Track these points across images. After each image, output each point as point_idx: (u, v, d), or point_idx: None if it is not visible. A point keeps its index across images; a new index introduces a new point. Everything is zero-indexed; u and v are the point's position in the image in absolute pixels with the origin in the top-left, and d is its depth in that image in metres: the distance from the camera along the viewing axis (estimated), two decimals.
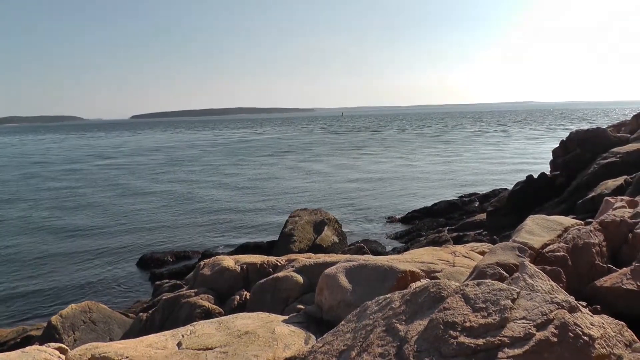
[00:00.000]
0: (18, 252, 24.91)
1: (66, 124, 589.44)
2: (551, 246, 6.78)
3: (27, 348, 5.78)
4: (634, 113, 30.55)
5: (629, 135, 25.06)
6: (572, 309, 3.83)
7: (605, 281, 5.78)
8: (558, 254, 6.49)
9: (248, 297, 10.10)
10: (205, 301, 10.31)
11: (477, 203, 30.22)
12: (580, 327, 3.67)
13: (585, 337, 3.61)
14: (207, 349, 5.66)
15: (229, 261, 11.51)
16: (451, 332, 3.86)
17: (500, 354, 3.55)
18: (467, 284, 4.41)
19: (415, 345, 3.95)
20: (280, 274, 9.70)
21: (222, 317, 6.89)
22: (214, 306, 10.16)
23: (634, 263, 5.82)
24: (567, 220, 8.04)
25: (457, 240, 19.72)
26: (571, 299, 4.01)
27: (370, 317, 4.76)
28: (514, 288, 4.18)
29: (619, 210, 7.93)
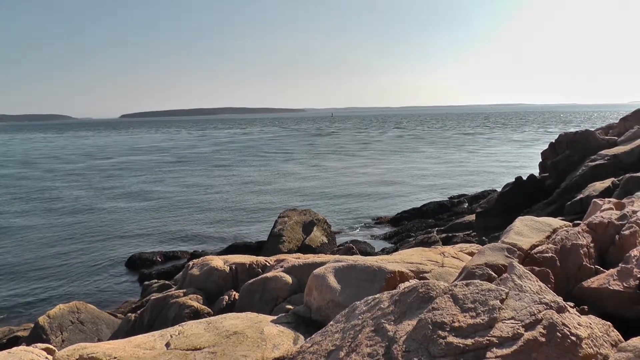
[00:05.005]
0: (4, 253, 24.69)
1: (55, 123, 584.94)
2: (540, 247, 6.82)
3: (14, 349, 5.73)
4: (622, 116, 30.80)
5: (616, 137, 25.26)
6: (560, 310, 3.86)
7: (593, 282, 5.82)
8: (546, 255, 6.53)
9: (237, 297, 10.07)
10: (194, 301, 10.27)
11: (466, 204, 30.35)
12: (568, 327, 3.69)
13: (573, 337, 3.63)
14: (196, 349, 5.64)
15: (217, 261, 11.47)
16: (440, 332, 3.87)
17: (489, 354, 3.57)
18: (456, 285, 4.42)
19: (404, 345, 3.96)
20: (269, 274, 9.68)
21: (211, 318, 6.87)
22: (203, 306, 10.13)
23: (620, 264, 5.87)
24: (556, 222, 8.09)
25: (446, 241, 19.78)
26: (559, 299, 4.03)
27: (359, 317, 4.77)
28: (503, 288, 4.20)
29: (607, 212, 7.99)
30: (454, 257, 8.97)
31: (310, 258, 10.68)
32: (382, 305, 4.72)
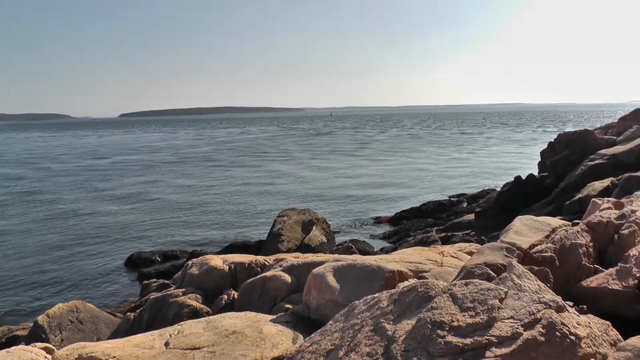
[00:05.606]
0: (2, 252, 24.67)
1: (55, 122, 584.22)
2: (539, 247, 6.82)
3: (13, 348, 5.73)
4: (621, 115, 30.84)
5: (615, 137, 25.29)
6: (559, 309, 3.86)
7: (592, 281, 5.82)
8: (545, 254, 6.53)
9: (236, 296, 10.07)
10: (193, 301, 10.27)
11: (466, 204, 30.38)
12: (567, 326, 3.69)
13: (572, 337, 3.63)
14: (195, 348, 5.64)
15: (217, 261, 11.48)
16: (439, 331, 3.87)
17: (488, 353, 3.57)
18: (455, 284, 4.42)
19: (403, 345, 3.96)
20: (268, 274, 9.69)
21: (210, 317, 6.87)
22: (202, 306, 10.13)
23: (619, 264, 5.87)
24: (555, 221, 8.10)
25: (445, 241, 19.79)
26: (558, 298, 4.03)
27: (358, 316, 4.77)
28: (502, 288, 4.20)
29: (606, 211, 8.00)
30: (453, 257, 8.98)
31: (310, 257, 10.68)
32: (381, 305, 4.72)
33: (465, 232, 21.97)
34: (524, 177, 24.05)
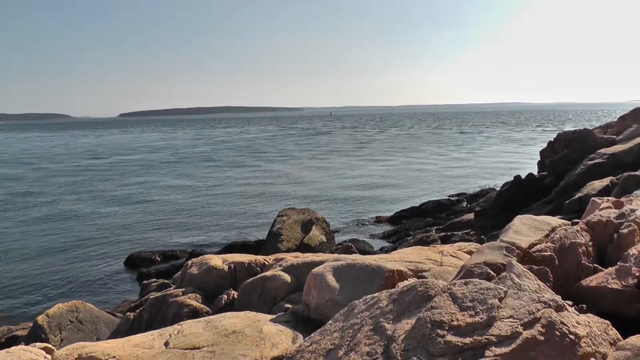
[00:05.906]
0: (2, 252, 24.66)
1: (54, 122, 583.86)
2: (538, 246, 6.83)
3: (13, 348, 5.73)
4: (621, 115, 30.85)
5: (615, 136, 25.31)
6: (559, 308, 3.86)
7: (591, 281, 5.83)
8: (545, 253, 6.54)
9: (235, 296, 10.07)
10: (192, 300, 10.27)
11: (465, 203, 30.37)
12: (567, 325, 3.69)
13: (572, 336, 3.64)
14: (195, 348, 5.64)
15: (216, 260, 11.47)
16: (438, 330, 3.87)
17: (488, 353, 3.57)
18: (455, 283, 4.42)
19: (403, 344, 3.96)
20: (267, 273, 9.68)
21: (210, 317, 6.87)
22: (202, 305, 10.12)
23: (619, 263, 5.88)
24: (555, 221, 8.10)
25: (445, 240, 19.78)
26: (558, 298, 4.04)
27: (358, 316, 4.77)
28: (502, 287, 4.20)
29: (605, 210, 8.00)
30: (452, 256, 8.98)
31: (309, 257, 10.68)
32: (380, 304, 4.72)
33: (465, 231, 21.98)
34: (523, 177, 24.06)
